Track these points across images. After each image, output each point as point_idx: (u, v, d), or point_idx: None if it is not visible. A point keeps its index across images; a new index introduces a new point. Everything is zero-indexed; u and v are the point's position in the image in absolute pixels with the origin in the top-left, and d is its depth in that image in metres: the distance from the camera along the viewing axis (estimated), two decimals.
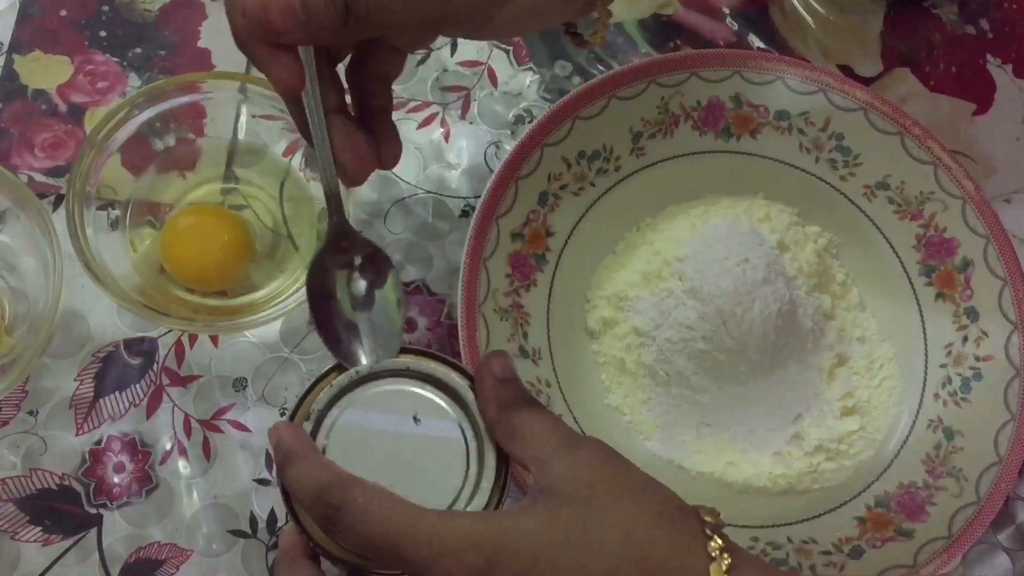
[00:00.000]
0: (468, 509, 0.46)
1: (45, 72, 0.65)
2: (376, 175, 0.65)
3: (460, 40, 0.68)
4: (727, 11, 0.71)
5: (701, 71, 0.63)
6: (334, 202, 0.49)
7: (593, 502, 0.43)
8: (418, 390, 0.48)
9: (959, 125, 0.70)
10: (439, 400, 0.48)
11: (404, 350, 0.49)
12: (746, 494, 0.61)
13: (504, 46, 0.69)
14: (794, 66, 0.63)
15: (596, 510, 0.43)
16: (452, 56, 0.68)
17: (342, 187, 0.49)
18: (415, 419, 0.48)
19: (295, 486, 0.44)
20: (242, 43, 0.46)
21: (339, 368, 0.48)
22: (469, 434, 0.48)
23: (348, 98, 0.50)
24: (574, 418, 0.61)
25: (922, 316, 0.64)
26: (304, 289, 0.55)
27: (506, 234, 0.61)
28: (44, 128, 0.64)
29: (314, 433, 0.47)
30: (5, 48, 0.65)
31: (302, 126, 0.48)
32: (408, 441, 0.47)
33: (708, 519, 0.44)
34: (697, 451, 0.62)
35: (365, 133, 0.49)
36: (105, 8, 0.67)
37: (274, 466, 0.47)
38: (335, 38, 0.45)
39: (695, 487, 0.61)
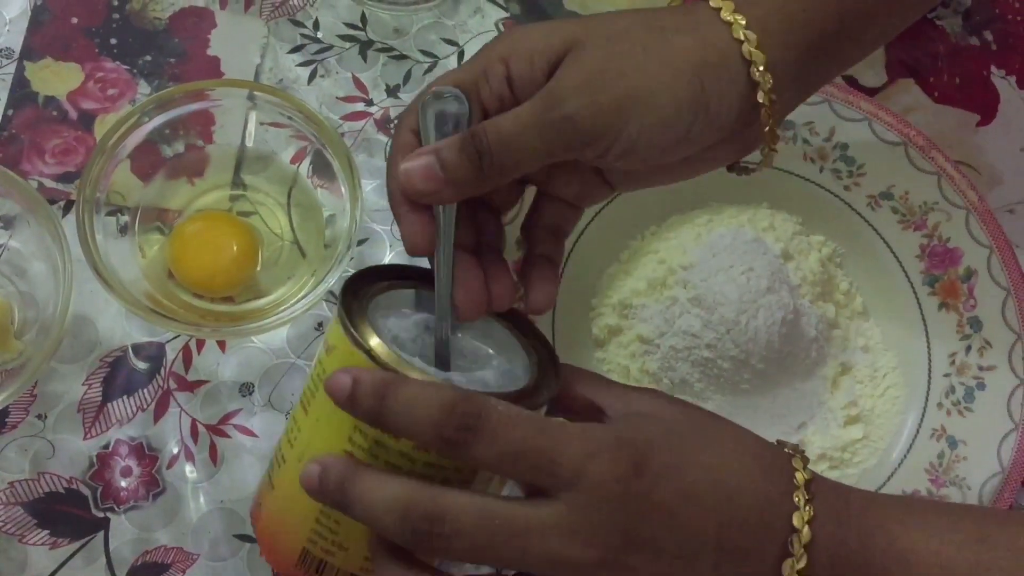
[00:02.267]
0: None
1: (56, 79, 0.65)
2: (382, 183, 0.65)
3: (467, 49, 0.68)
4: None
5: None
6: (441, 344, 0.48)
7: (695, 418, 0.45)
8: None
9: (963, 136, 0.70)
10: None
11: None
12: None
13: None
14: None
15: (704, 421, 0.45)
16: (459, 65, 0.68)
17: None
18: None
19: (412, 409, 0.40)
20: (391, 203, 0.48)
21: (391, 269, 0.49)
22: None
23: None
24: None
25: (926, 325, 0.63)
26: (312, 295, 0.56)
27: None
28: (54, 134, 0.64)
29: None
30: (16, 55, 0.66)
31: (431, 261, 0.49)
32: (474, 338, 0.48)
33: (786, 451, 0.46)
34: None
35: (511, 277, 0.50)
36: (116, 16, 0.67)
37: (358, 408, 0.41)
38: (478, 188, 0.46)
39: None
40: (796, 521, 0.42)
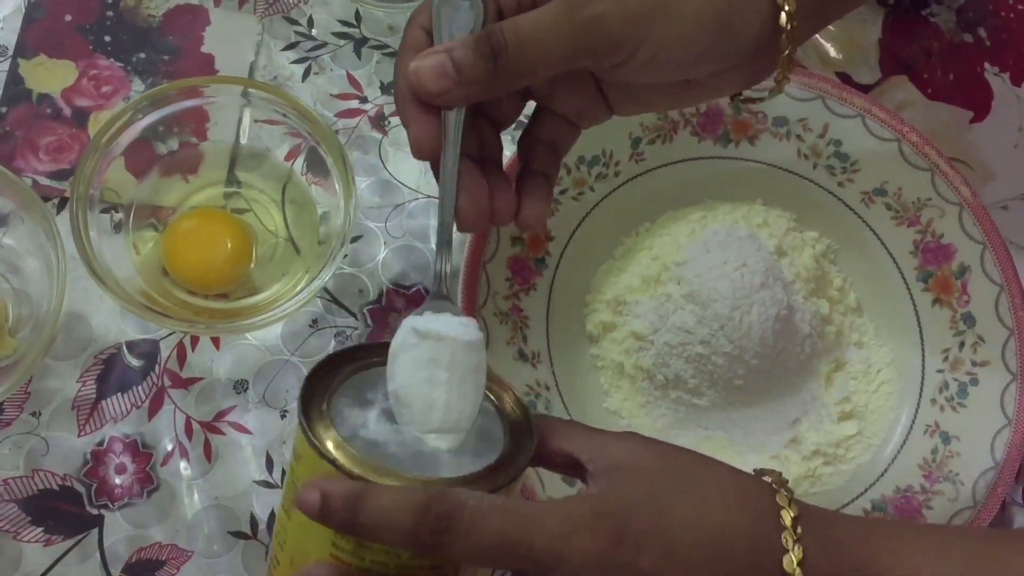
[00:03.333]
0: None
1: (50, 76, 0.65)
2: (378, 180, 0.65)
3: None
4: None
5: None
6: (443, 245, 0.47)
7: (677, 465, 0.44)
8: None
9: (957, 132, 0.70)
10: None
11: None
12: None
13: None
14: (792, 73, 0.64)
15: (685, 469, 0.44)
16: None
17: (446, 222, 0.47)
18: None
19: (385, 518, 0.39)
20: (398, 104, 0.46)
21: (350, 353, 0.46)
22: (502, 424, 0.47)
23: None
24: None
25: (919, 321, 0.64)
26: (306, 292, 0.57)
27: (506, 238, 0.61)
28: (48, 131, 0.64)
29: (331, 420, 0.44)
30: (10, 52, 0.65)
31: (435, 167, 0.48)
32: None
33: (772, 477, 0.45)
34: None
35: (514, 191, 0.48)
36: (109, 13, 0.67)
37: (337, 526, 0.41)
38: (490, 90, 0.45)
39: None
40: (787, 565, 0.42)
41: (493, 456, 0.45)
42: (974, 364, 0.62)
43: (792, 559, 0.42)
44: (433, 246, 0.64)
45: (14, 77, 0.65)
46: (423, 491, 0.40)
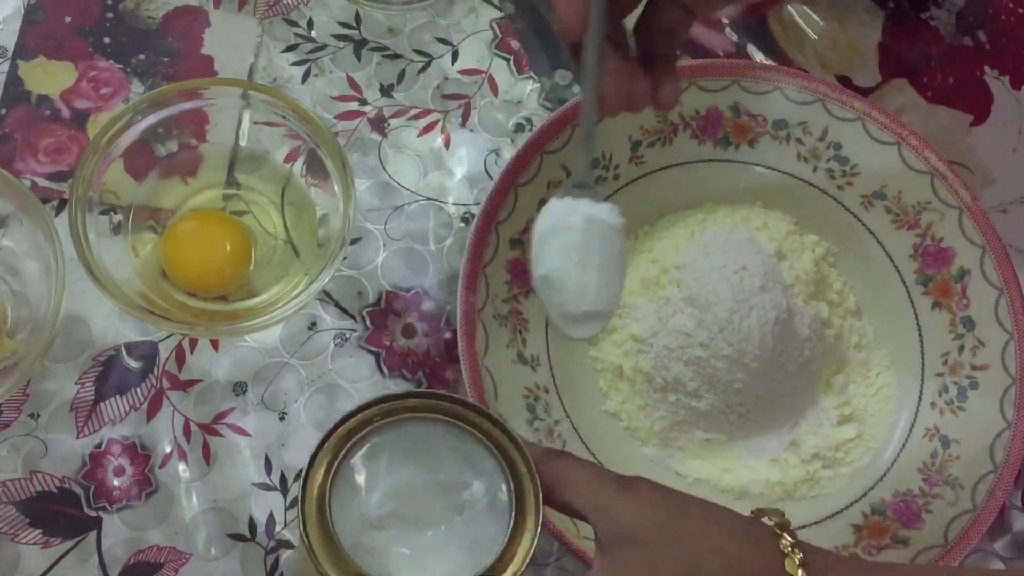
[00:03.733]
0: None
1: (49, 78, 0.65)
2: (377, 182, 0.65)
3: (461, 48, 0.69)
4: (727, 22, 0.71)
5: (700, 80, 0.63)
6: (589, 129, 0.47)
7: (683, 540, 0.44)
8: (471, 439, 0.47)
9: (956, 136, 0.70)
10: (489, 458, 0.48)
11: (431, 394, 0.48)
12: (743, 501, 0.61)
13: (504, 55, 0.70)
14: (792, 76, 0.63)
15: (689, 547, 0.44)
16: (453, 65, 0.68)
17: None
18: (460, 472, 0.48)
19: None
20: None
21: (361, 411, 0.47)
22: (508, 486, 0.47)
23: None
24: (572, 424, 0.61)
25: (919, 325, 0.63)
26: (305, 294, 0.57)
27: (506, 241, 0.61)
28: (48, 133, 0.64)
29: (330, 488, 0.46)
30: (10, 53, 0.65)
31: (574, 55, 0.48)
32: (451, 489, 0.47)
33: (775, 521, 0.46)
34: (694, 457, 0.62)
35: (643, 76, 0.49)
36: (109, 15, 0.67)
37: None
38: None
39: (692, 493, 0.61)
40: None
41: (496, 548, 0.46)
42: (974, 368, 0.62)
43: None
44: (432, 247, 0.64)
45: (13, 79, 0.65)
46: None
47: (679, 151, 0.65)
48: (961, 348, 0.62)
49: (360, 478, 0.47)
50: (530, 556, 0.46)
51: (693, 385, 0.60)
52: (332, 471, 0.47)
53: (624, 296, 0.62)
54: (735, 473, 0.61)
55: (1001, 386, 0.61)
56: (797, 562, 0.44)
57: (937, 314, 0.63)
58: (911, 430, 0.62)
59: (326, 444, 0.47)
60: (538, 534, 0.47)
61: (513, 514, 0.47)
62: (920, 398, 0.63)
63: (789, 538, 0.45)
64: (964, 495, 0.60)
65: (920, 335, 0.63)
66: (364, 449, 0.47)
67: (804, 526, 0.60)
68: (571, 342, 0.63)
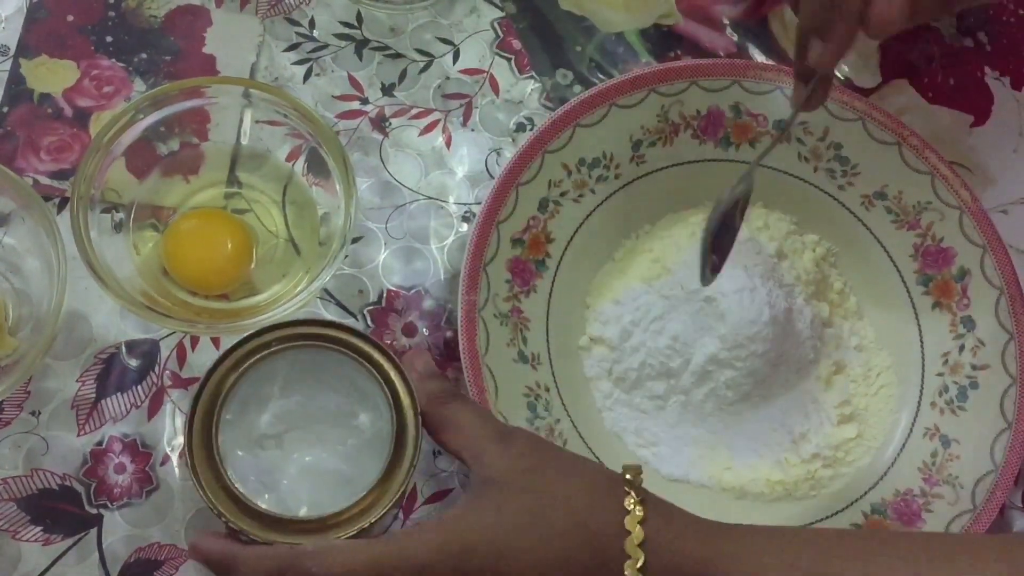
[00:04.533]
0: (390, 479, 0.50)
1: (51, 76, 0.65)
2: (378, 181, 0.65)
3: (463, 48, 0.68)
4: (727, 22, 0.71)
5: (701, 80, 0.63)
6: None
7: (536, 487, 0.48)
8: (353, 362, 0.51)
9: (957, 137, 0.70)
10: (370, 381, 0.51)
11: (328, 323, 0.52)
12: (743, 500, 0.61)
13: (506, 54, 0.70)
14: (791, 75, 0.64)
15: (540, 494, 0.47)
16: (454, 64, 0.68)
17: None
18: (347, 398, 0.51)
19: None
20: None
21: (281, 327, 0.51)
22: (391, 411, 0.50)
23: None
24: (572, 422, 0.61)
25: (919, 325, 0.64)
26: (306, 292, 0.57)
27: (507, 240, 0.61)
28: (50, 131, 0.64)
29: (238, 383, 0.49)
30: (12, 52, 0.65)
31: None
32: (339, 418, 0.50)
33: (628, 477, 0.48)
34: (694, 457, 0.62)
35: None
36: (111, 14, 0.67)
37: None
38: None
39: (691, 493, 0.61)
40: (628, 524, 0.46)
41: (370, 480, 0.50)
42: (974, 368, 0.62)
43: (634, 517, 0.46)
44: (433, 246, 0.64)
45: (16, 77, 0.65)
46: (277, 558, 0.47)
47: (680, 151, 0.65)
48: (961, 348, 0.62)
49: (250, 399, 0.51)
50: (401, 492, 0.50)
51: (691, 383, 0.60)
52: (224, 391, 0.50)
53: (621, 294, 0.63)
54: (735, 473, 0.61)
55: (1001, 386, 0.61)
56: (637, 518, 0.46)
57: (938, 314, 0.63)
58: (911, 430, 0.62)
59: (221, 365, 0.51)
60: (412, 472, 0.50)
61: (392, 448, 0.50)
62: (920, 398, 0.63)
63: (635, 495, 0.47)
64: (964, 495, 0.60)
65: (920, 335, 0.63)
66: (258, 372, 0.51)
67: (804, 526, 0.60)
68: (572, 342, 0.63)
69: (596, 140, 0.63)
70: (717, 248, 0.58)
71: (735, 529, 0.49)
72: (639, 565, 0.46)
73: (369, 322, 0.63)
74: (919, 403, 0.63)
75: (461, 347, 0.58)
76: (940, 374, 0.63)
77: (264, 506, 0.49)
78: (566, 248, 0.63)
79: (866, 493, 0.61)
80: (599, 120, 0.62)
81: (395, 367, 0.51)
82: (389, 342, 0.62)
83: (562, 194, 0.63)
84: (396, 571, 0.46)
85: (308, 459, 0.51)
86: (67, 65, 0.66)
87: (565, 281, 0.63)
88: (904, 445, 0.62)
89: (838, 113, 0.63)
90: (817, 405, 0.62)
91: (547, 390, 0.61)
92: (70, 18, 0.67)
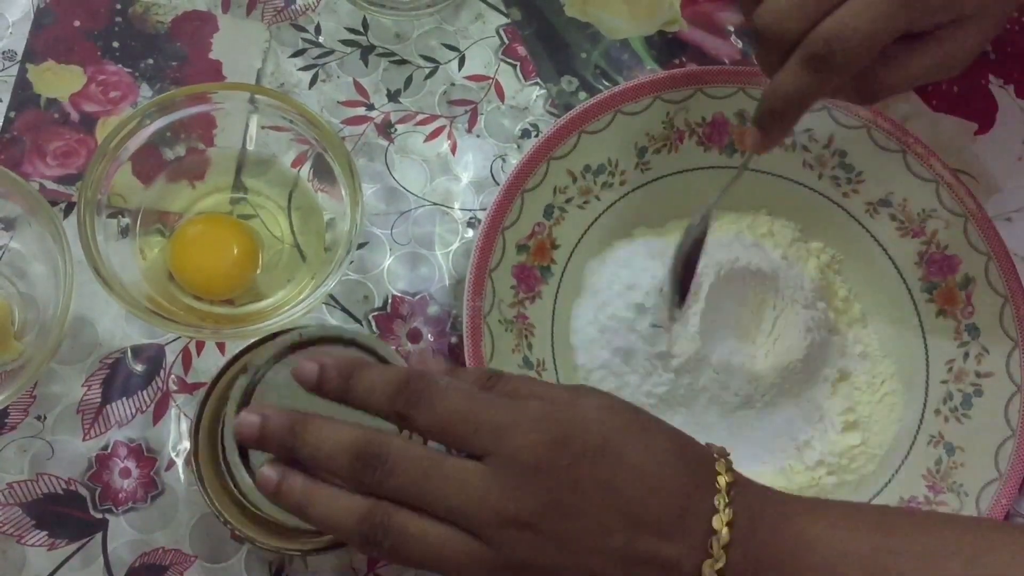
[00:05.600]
0: None
1: (58, 81, 0.65)
2: (384, 187, 0.65)
3: (468, 54, 0.69)
4: (732, 29, 0.72)
5: (706, 88, 0.63)
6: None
7: (640, 411, 0.47)
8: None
9: (961, 144, 0.70)
10: None
11: (337, 329, 0.50)
12: None
13: (511, 61, 0.70)
14: None
15: (644, 415, 0.47)
16: (460, 70, 0.68)
17: None
18: None
19: (371, 386, 0.45)
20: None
21: (286, 331, 0.50)
22: None
23: None
24: None
25: (924, 332, 0.63)
26: (311, 298, 0.57)
27: (512, 246, 0.61)
28: (56, 136, 0.64)
29: (251, 389, 0.47)
30: (19, 57, 0.65)
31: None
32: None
33: (719, 470, 0.47)
34: None
35: None
36: (118, 19, 0.67)
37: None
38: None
39: None
40: (716, 524, 0.44)
41: None
42: (978, 375, 0.62)
43: (722, 519, 0.44)
44: (438, 252, 0.64)
45: (22, 82, 0.65)
46: (403, 370, 0.46)
47: (685, 158, 0.65)
48: (966, 355, 0.62)
49: (270, 395, 0.49)
50: None
51: (697, 391, 0.60)
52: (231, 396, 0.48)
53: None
54: None
55: (1006, 394, 0.61)
56: (725, 519, 0.44)
57: (942, 321, 0.63)
58: (915, 437, 0.62)
59: (229, 369, 0.50)
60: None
61: None
62: (925, 405, 0.63)
63: (725, 494, 0.45)
64: (969, 502, 0.60)
65: (925, 342, 0.63)
66: (266, 377, 0.49)
67: None
68: (573, 347, 0.63)
69: (601, 147, 0.63)
70: (683, 286, 0.59)
71: (829, 505, 0.48)
72: (719, 567, 0.44)
73: (374, 328, 0.63)
74: (923, 410, 0.62)
75: (466, 353, 0.58)
76: (944, 381, 0.62)
77: (270, 512, 0.48)
78: (571, 254, 0.63)
79: (871, 500, 0.61)
80: (604, 127, 0.62)
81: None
82: (394, 348, 0.62)
83: (567, 201, 0.63)
84: (493, 415, 0.44)
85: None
86: (74, 70, 0.66)
87: (570, 287, 0.63)
88: (908, 452, 0.62)
89: (843, 120, 0.63)
90: (821, 412, 0.62)
91: None
92: (77, 23, 0.67)
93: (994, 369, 0.61)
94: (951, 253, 0.63)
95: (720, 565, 0.44)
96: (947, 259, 0.63)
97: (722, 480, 0.45)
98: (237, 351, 0.51)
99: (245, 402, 0.47)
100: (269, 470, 0.45)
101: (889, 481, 0.61)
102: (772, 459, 0.62)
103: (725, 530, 0.44)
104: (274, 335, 0.51)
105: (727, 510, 0.44)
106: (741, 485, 0.46)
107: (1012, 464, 0.59)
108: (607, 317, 0.61)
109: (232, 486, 0.49)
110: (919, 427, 0.62)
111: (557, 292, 0.63)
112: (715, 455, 0.47)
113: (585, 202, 0.63)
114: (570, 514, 0.43)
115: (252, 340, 0.51)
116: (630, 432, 0.45)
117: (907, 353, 0.64)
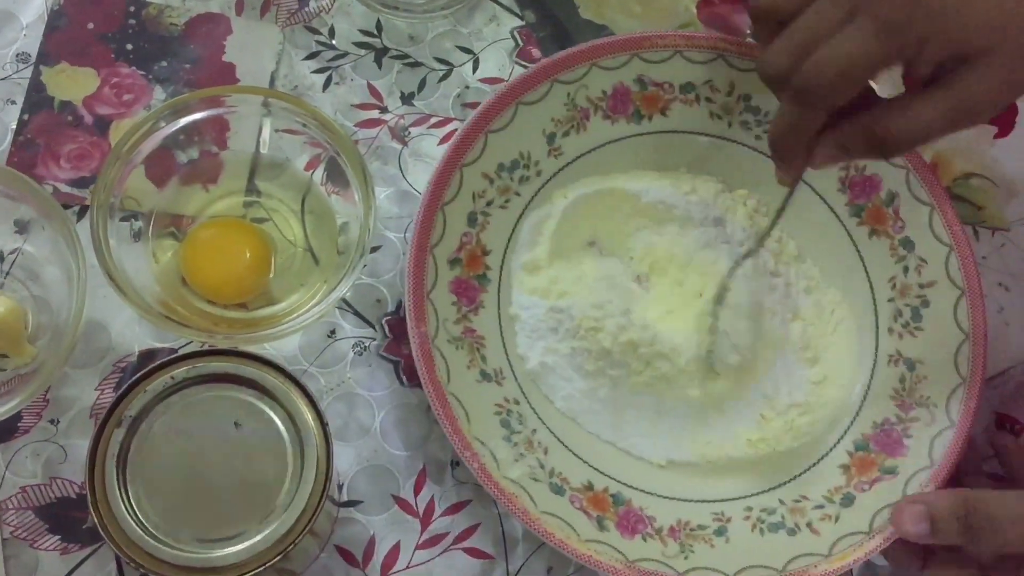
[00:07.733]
0: (295, 500, 0.40)
1: (72, 84, 0.53)
2: (397, 191, 0.53)
3: (482, 57, 0.57)
4: (748, 31, 0.69)
5: (600, 60, 0.51)
6: None
7: None
8: (237, 394, 0.40)
9: (980, 148, 0.55)
10: (258, 403, 0.41)
11: (220, 352, 0.41)
12: (730, 467, 0.51)
13: (525, 63, 0.57)
14: (687, 37, 0.52)
15: None
16: (474, 73, 0.56)
17: None
18: (236, 424, 0.40)
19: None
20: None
21: (152, 373, 0.40)
22: (290, 432, 0.40)
23: None
24: (549, 429, 0.50)
25: (861, 255, 0.53)
26: (324, 302, 0.51)
27: (444, 263, 0.49)
28: (70, 139, 0.53)
29: (127, 442, 0.39)
30: (33, 59, 0.51)
31: None
32: (230, 445, 0.40)
33: None
34: (673, 442, 0.54)
35: None
36: (132, 22, 0.53)
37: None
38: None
39: (681, 472, 0.52)
40: None
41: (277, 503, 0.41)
42: (921, 287, 0.51)
43: None
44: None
45: (36, 84, 0.52)
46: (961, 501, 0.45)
47: (594, 135, 0.52)
48: (906, 269, 0.52)
49: (150, 445, 0.41)
50: (313, 514, 0.42)
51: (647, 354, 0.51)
52: (124, 434, 0.41)
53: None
54: (717, 445, 0.53)
55: (951, 299, 0.50)
56: None
57: (876, 241, 0.52)
58: (875, 360, 0.52)
59: (121, 403, 0.41)
60: (326, 487, 0.41)
61: (298, 485, 0.40)
62: (877, 327, 0.52)
63: None
64: (939, 413, 0.49)
65: (864, 265, 0.53)
66: (156, 417, 0.41)
67: (794, 476, 0.50)
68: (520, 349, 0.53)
69: (510, 142, 0.51)
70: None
71: None
72: None
73: (387, 332, 0.51)
74: (876, 332, 0.52)
75: (423, 381, 0.45)
76: (891, 300, 0.52)
77: (181, 548, 0.41)
78: (504, 256, 0.52)
79: (846, 432, 0.51)
80: (508, 122, 0.50)
81: (291, 381, 0.42)
82: (407, 352, 0.51)
83: (488, 204, 0.50)
84: None
85: (216, 500, 0.44)
86: (87, 73, 0.55)
87: (510, 290, 0.52)
88: (872, 376, 0.52)
89: (739, 65, 0.55)
90: (781, 355, 0.52)
91: (516, 403, 0.49)
92: (91, 26, 0.54)
93: (935, 277, 0.51)
94: (870, 173, 0.52)
95: None
96: (867, 179, 0.53)
97: None
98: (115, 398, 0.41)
99: (123, 458, 0.39)
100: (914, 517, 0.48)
101: (860, 408, 0.51)
102: (744, 413, 0.54)
103: None
104: (142, 378, 0.42)
105: None
106: None
107: (972, 365, 0.49)
108: (537, 320, 0.52)
109: (138, 529, 0.40)
110: (876, 349, 0.52)
111: (499, 297, 0.51)
112: None
113: (506, 201, 0.51)
114: None
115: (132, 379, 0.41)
116: None
117: (849, 278, 0.53)
